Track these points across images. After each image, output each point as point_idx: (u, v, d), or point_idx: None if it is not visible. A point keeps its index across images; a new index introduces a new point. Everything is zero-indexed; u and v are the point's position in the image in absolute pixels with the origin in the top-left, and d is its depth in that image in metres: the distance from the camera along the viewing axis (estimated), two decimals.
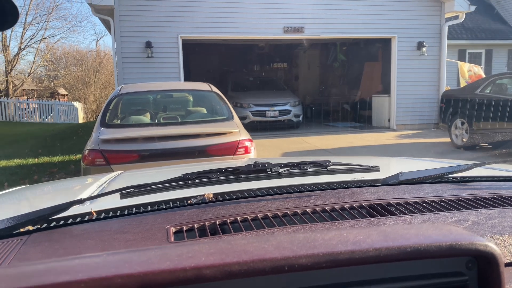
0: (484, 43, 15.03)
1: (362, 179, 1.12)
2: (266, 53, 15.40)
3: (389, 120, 10.96)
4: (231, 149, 4.04)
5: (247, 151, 4.12)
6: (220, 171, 1.02)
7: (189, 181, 0.99)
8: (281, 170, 1.05)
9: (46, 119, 19.38)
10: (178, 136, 4.03)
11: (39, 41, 22.71)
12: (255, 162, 1.06)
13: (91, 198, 0.98)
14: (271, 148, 8.18)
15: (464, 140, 7.75)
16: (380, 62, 12.35)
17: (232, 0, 9.46)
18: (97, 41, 58.41)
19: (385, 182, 1.09)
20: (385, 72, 11.52)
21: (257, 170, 1.03)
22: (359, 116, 12.43)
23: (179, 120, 4.75)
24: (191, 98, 5.53)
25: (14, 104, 18.53)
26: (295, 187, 1.06)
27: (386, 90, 11.13)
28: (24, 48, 22.16)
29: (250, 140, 4.20)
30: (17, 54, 21.98)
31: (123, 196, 0.93)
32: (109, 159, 3.79)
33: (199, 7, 9.32)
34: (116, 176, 1.46)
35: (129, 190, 0.93)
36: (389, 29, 10.35)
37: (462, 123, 7.79)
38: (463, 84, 10.77)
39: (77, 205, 0.91)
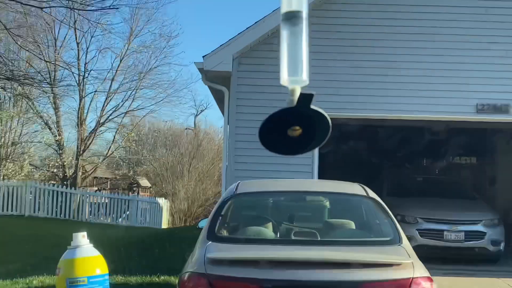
0: None
1: None
2: (443, 142, 15.18)
3: None
4: None
5: None
6: None
7: None
8: None
9: (119, 220, 20.82)
10: (321, 263, 4.05)
11: (124, 114, 25.33)
12: None
13: None
14: None
15: None
16: None
17: (394, 67, 9.80)
18: (196, 116, 63.50)
19: None
20: None
21: None
22: None
23: (319, 239, 4.80)
24: (334, 205, 5.62)
25: (81, 196, 20.35)
26: None
27: None
28: (104, 123, 24.86)
29: (430, 280, 4.04)
30: (94, 130, 24.58)
31: None
32: None
33: (344, 77, 9.79)
34: None
35: None
36: None
37: None
38: None
39: None
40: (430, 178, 13.25)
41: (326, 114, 1.22)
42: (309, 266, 4.06)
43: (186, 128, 32.48)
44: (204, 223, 5.40)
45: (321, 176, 9.88)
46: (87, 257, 0.87)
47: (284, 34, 1.18)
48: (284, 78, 1.17)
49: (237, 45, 9.73)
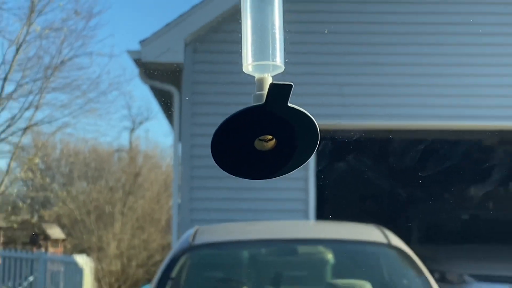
0: None
1: None
2: (499, 162, 15.37)
3: None
4: None
5: None
6: None
7: None
8: None
9: None
10: None
11: (23, 130, 25.17)
12: None
13: None
14: None
15: None
16: None
17: (424, 61, 9.95)
18: (132, 130, 63.10)
19: None
20: None
21: None
22: None
23: None
24: (341, 258, 5.64)
25: None
26: None
27: None
28: None
29: None
30: None
31: None
32: None
33: (352, 73, 9.90)
34: None
35: None
36: None
37: None
38: None
39: None
40: (481, 215, 13.34)
41: (310, 116, 1.10)
42: None
43: (118, 150, 32.34)
44: None
45: (320, 214, 9.91)
46: None
47: (248, 8, 1.16)
48: (248, 63, 1.11)
49: (190, 25, 9.76)
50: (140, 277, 24.85)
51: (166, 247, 24.43)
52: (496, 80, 9.97)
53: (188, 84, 9.84)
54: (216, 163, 1.16)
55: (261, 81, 1.09)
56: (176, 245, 5.44)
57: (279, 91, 1.03)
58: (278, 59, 1.11)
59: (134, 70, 10.45)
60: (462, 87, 9.95)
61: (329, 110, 9.89)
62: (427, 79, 9.94)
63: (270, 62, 1.09)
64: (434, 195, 15.51)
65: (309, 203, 9.74)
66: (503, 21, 10.05)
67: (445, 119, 10.06)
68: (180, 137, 10.09)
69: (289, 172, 1.15)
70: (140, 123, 40.36)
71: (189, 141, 9.81)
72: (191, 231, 5.56)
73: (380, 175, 15.40)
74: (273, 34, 1.11)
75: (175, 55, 9.69)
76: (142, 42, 9.77)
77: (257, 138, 1.09)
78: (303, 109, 1.06)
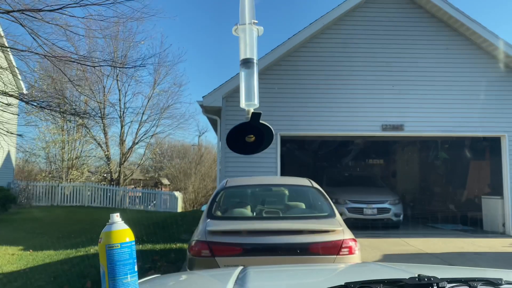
0: None
1: None
2: (362, 149, 15.34)
3: (503, 225, 9.86)
4: (334, 248, 3.91)
5: (351, 251, 3.95)
6: (383, 282, 1.00)
7: None
8: (448, 286, 1.00)
9: (149, 207, 20.80)
10: (282, 231, 4.03)
11: (151, 136, 25.29)
12: (419, 275, 1.02)
13: None
14: (370, 248, 7.73)
15: None
16: (488, 161, 11.54)
17: (330, 100, 9.86)
18: (199, 136, 63.36)
19: None
20: (494, 172, 10.67)
21: (422, 284, 1.00)
22: (467, 218, 11.40)
23: (281, 215, 4.78)
24: (292, 192, 5.59)
25: (123, 191, 20.39)
26: None
27: (497, 191, 10.21)
28: (137, 143, 24.78)
29: (355, 240, 4.04)
30: (131, 147, 24.58)
31: None
32: (214, 251, 3.88)
33: (298, 107, 9.82)
34: (243, 273, 1.49)
35: None
36: (498, 127, 9.81)
37: None
38: None
39: None
40: (353, 174, 13.33)
41: (270, 126, 1.23)
42: (275, 234, 4.03)
43: (193, 145, 32.35)
44: (204, 207, 5.36)
45: (282, 174, 9.88)
46: (120, 230, 0.86)
47: (242, 73, 1.18)
48: (242, 102, 1.19)
49: (225, 89, 9.71)
50: (203, 201, 24.82)
51: (214, 187, 24.40)
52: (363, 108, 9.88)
53: (224, 116, 9.82)
54: (229, 148, 1.30)
55: (248, 111, 1.21)
56: (218, 187, 5.39)
57: (256, 115, 1.18)
58: (256, 101, 1.19)
59: (199, 109, 10.32)
60: (349, 112, 9.87)
61: (285, 125, 9.84)
62: (335, 109, 9.88)
63: (252, 102, 1.15)
64: (332, 166, 15.52)
65: (277, 168, 9.70)
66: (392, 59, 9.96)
67: (339, 130, 9.98)
68: (220, 139, 10.05)
69: (261, 151, 1.29)
70: (203, 133, 40.43)
71: (224, 141, 9.75)
72: (224, 180, 5.54)
73: (310, 157, 15.38)
74: (254, 87, 1.18)
75: (217, 102, 9.66)
76: (203, 97, 9.76)
77: (246, 136, 1.20)
78: (267, 122, 1.18)
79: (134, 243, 1.08)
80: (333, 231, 4.04)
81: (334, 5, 10.17)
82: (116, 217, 1.08)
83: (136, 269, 1.06)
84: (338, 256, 3.90)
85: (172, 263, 6.76)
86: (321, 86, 9.94)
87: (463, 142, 12.03)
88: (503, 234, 9.77)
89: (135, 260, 1.07)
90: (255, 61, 1.18)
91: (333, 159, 15.63)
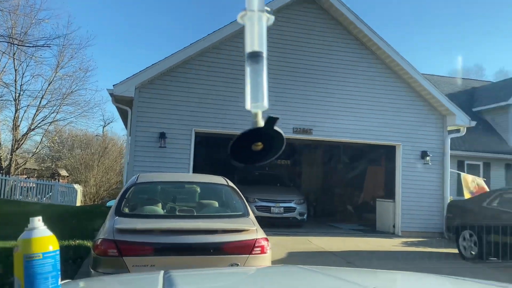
0: (482, 156, 15.46)
1: None
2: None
3: (393, 226, 10.83)
4: (247, 247, 3.93)
5: (263, 251, 4.00)
6: None
7: None
8: None
9: (43, 199, 19.13)
10: (195, 230, 3.94)
11: (50, 123, 23.28)
12: None
13: None
14: (276, 247, 7.94)
15: (473, 252, 7.58)
16: (383, 167, 12.59)
17: (242, 100, 9.91)
18: (104, 126, 59.90)
19: None
20: (388, 177, 11.67)
21: None
22: (363, 219, 12.31)
23: (195, 213, 4.68)
24: (206, 191, 5.51)
25: (13, 181, 18.49)
26: None
27: (390, 195, 11.19)
28: (34, 129, 22.62)
29: (266, 240, 4.10)
30: (26, 134, 22.38)
31: None
32: (122, 250, 3.66)
33: (214, 104, 9.75)
34: (167, 277, 1.40)
35: None
36: (394, 137, 10.73)
37: (471, 235, 7.68)
38: (467, 194, 10.85)
39: None
40: (263, 173, 13.60)
41: (283, 134, 1.02)
42: (187, 233, 3.92)
43: (97, 135, 30.43)
44: (112, 203, 5.04)
45: (195, 171, 9.72)
46: (42, 237, 0.72)
47: (248, 69, 1.00)
48: (248, 103, 0.99)
49: (138, 79, 9.28)
50: (105, 195, 23.54)
51: (118, 182, 23.27)
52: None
53: (135, 107, 9.38)
54: (232, 159, 1.03)
55: (255, 114, 0.99)
56: (128, 182, 5.10)
57: (271, 120, 0.96)
58: (265, 102, 0.98)
59: (108, 97, 9.71)
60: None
61: (199, 121, 9.72)
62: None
63: (260, 104, 0.97)
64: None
65: (190, 165, 9.54)
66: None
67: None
68: (130, 132, 9.57)
69: (268, 161, 1.04)
70: (109, 123, 38.37)
71: (134, 133, 9.34)
72: (135, 176, 5.26)
73: (223, 155, 15.35)
74: (262, 86, 1.00)
75: (130, 93, 9.20)
76: (114, 85, 9.20)
77: (253, 144, 0.99)
78: (281, 129, 0.97)
79: (58, 252, 0.92)
80: (246, 230, 4.05)
81: None
82: (38, 222, 0.92)
83: (60, 282, 0.91)
84: (250, 255, 3.92)
85: (72, 261, 6.26)
86: (234, 85, 9.97)
87: (364, 148, 12.97)
88: (392, 234, 10.72)
89: (59, 272, 0.92)
90: (264, 55, 0.99)
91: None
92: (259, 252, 3.97)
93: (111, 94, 9.37)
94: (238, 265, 3.85)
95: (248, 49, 1.00)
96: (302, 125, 10.21)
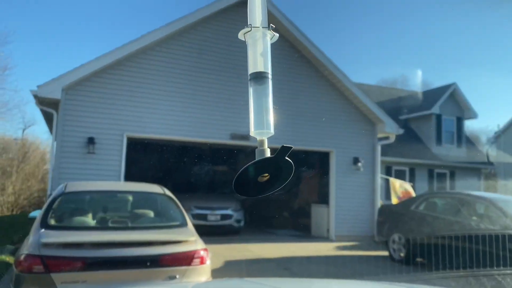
0: (408, 162, 16.54)
1: None
2: (210, 156, 15.62)
3: (328, 230, 11.19)
4: (187, 259, 3.84)
5: (202, 261, 3.94)
6: None
7: None
8: None
9: None
10: (129, 243, 3.78)
11: None
12: None
13: None
14: (214, 256, 7.81)
15: (402, 254, 8.04)
16: (318, 173, 13.00)
17: (181, 104, 9.78)
18: (24, 130, 55.78)
19: None
20: (323, 182, 12.07)
21: None
22: (298, 224, 12.59)
23: (129, 225, 4.49)
24: (139, 199, 5.32)
25: None
26: None
27: (325, 200, 11.56)
28: None
29: (206, 250, 4.05)
30: None
31: None
32: (49, 266, 3.41)
33: (147, 108, 9.47)
34: None
35: None
36: (328, 143, 11.14)
37: (400, 238, 8.15)
38: (394, 199, 11.51)
39: None
40: (200, 180, 13.47)
41: (292, 162, 0.93)
42: (121, 246, 3.76)
43: (15, 139, 28.30)
44: (36, 214, 4.70)
45: (127, 178, 9.35)
46: None
47: (251, 90, 0.93)
48: (252, 130, 0.91)
49: (65, 80, 8.75)
50: (25, 204, 21.89)
51: (40, 190, 21.77)
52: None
53: (62, 110, 8.83)
54: (237, 193, 0.94)
55: (261, 141, 0.91)
56: (55, 191, 4.77)
57: (285, 150, 0.88)
58: (271, 128, 0.92)
59: (28, 98, 9.14)
60: (200, 118, 9.91)
61: (132, 126, 9.41)
62: (185, 114, 9.78)
63: (265, 131, 0.89)
64: (180, 171, 15.39)
65: (121, 172, 9.16)
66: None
67: (188, 135, 9.96)
68: (55, 136, 9.00)
69: (272, 192, 0.94)
70: (29, 126, 35.92)
71: (60, 138, 8.80)
72: (62, 185, 4.94)
73: (157, 161, 14.95)
74: (267, 110, 0.92)
75: (56, 94, 8.66)
76: (38, 86, 8.60)
77: (260, 175, 0.90)
78: (290, 159, 0.89)
79: None
80: (185, 241, 3.97)
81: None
82: None
83: None
84: (189, 267, 3.84)
85: None
86: (172, 89, 9.79)
87: (299, 154, 13.29)
88: (327, 238, 11.08)
89: None
90: (269, 76, 0.92)
91: (180, 164, 15.50)
92: (199, 263, 3.90)
93: (35, 96, 8.75)
94: (176, 277, 3.75)
95: (251, 69, 0.93)
96: (241, 131, 10.25)
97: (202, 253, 3.97)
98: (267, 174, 0.92)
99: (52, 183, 8.66)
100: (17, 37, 38.76)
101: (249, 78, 0.93)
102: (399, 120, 17.60)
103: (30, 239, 3.75)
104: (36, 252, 3.46)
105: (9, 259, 6.54)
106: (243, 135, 10.23)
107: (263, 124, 0.92)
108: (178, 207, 4.75)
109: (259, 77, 0.94)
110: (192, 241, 3.98)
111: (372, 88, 21.13)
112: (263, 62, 0.95)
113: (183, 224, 4.42)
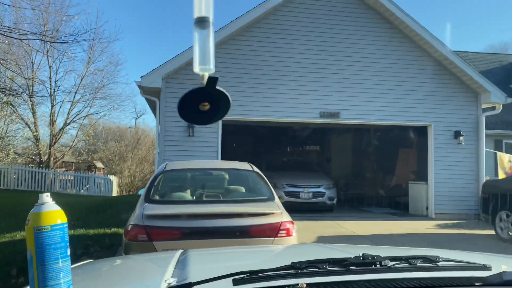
0: None
1: (471, 276, 1.09)
2: (300, 135, 15.70)
3: (427, 208, 10.62)
4: (273, 230, 3.97)
5: (289, 233, 4.04)
6: (329, 261, 1.02)
7: (299, 270, 1.01)
8: (390, 264, 1.05)
9: (81, 191, 19.90)
10: (221, 214, 4.02)
11: (84, 117, 24.06)
12: (364, 254, 1.06)
13: (204, 281, 1.01)
14: (305, 231, 7.98)
15: (511, 233, 7.34)
16: (415, 149, 12.31)
17: (271, 86, 9.92)
18: (136, 119, 61.31)
19: (489, 282, 1.04)
20: (420, 159, 11.41)
21: (367, 262, 1.04)
22: (395, 202, 12.12)
23: (221, 199, 4.76)
24: (233, 177, 5.59)
25: (53, 175, 19.30)
26: (404, 281, 1.03)
27: (422, 177, 10.95)
28: (69, 123, 23.46)
29: (292, 223, 4.13)
30: (62, 128, 23.22)
31: (236, 283, 0.95)
32: (151, 235, 3.78)
33: (240, 92, 9.78)
34: (184, 256, 1.45)
35: (242, 276, 0.97)
36: (425, 117, 10.46)
37: (508, 216, 7.44)
38: (501, 174, 10.48)
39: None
40: (291, 159, 13.63)
41: (227, 93, 1.09)
42: (214, 217, 4.01)
43: (129, 127, 31.22)
44: (142, 191, 5.21)
45: (223, 158, 9.85)
46: (50, 211, 0.79)
47: (196, 34, 1.03)
48: (196, 66, 1.03)
49: (164, 70, 9.43)
50: (139, 185, 24.22)
51: (152, 172, 23.86)
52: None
53: (163, 98, 9.55)
54: (180, 116, 1.11)
55: (203, 76, 1.03)
56: (156, 170, 5.24)
57: (212, 80, 1.02)
58: (211, 65, 1.03)
59: (138, 90, 9.95)
60: (290, 99, 9.99)
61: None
62: (276, 95, 9.96)
63: (207, 66, 1.03)
64: (272, 151, 15.76)
65: (218, 152, 9.66)
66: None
67: (279, 116, 10.10)
68: (159, 122, 9.78)
69: (216, 121, 1.14)
70: (141, 115, 39.21)
71: (163, 124, 9.54)
72: (163, 164, 5.40)
73: (250, 142, 15.48)
74: (209, 50, 1.04)
75: (157, 83, 9.37)
76: (141, 77, 9.39)
77: (200, 104, 1.07)
78: (224, 89, 1.05)
79: (66, 225, 0.99)
80: (272, 213, 4.10)
81: None
82: (46, 197, 0.99)
83: (68, 253, 0.98)
84: (276, 238, 3.96)
85: (107, 248, 6.52)
86: (262, 72, 9.97)
87: (394, 130, 12.71)
88: (426, 216, 10.52)
89: (68, 244, 0.99)
90: (211, 20, 1.03)
91: (273, 144, 15.86)
92: (285, 235, 4.01)
93: (139, 86, 9.57)
94: None
95: (196, 14, 1.03)
96: (329, 109, 10.11)
97: (288, 225, 4.06)
98: (207, 103, 1.08)
99: (158, 165, 9.46)
100: (124, 34, 42.30)
101: (193, 22, 1.03)
102: (510, 89, 15.79)
103: (136, 212, 4.19)
104: (140, 222, 3.85)
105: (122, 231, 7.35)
106: (333, 112, 10.08)
107: (205, 62, 1.03)
108: (265, 183, 4.90)
109: (202, 21, 1.03)
110: (278, 214, 4.10)
111: (478, 55, 19.21)
112: (206, 8, 1.04)
113: (270, 198, 4.55)
